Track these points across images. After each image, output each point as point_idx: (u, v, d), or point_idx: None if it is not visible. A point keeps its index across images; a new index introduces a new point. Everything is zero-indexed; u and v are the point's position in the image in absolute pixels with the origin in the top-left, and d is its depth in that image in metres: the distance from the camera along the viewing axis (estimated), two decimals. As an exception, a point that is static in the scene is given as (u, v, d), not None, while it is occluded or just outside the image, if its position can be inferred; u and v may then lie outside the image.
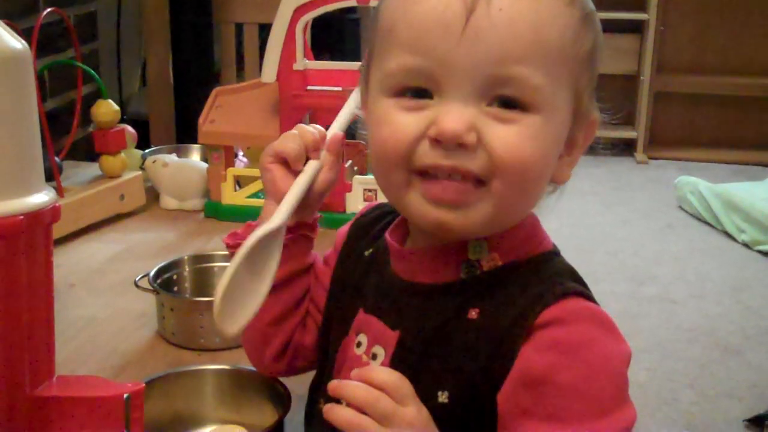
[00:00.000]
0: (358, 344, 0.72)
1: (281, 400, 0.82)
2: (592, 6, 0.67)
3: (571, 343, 0.62)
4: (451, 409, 0.64)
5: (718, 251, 3.17)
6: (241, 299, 0.69)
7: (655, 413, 2.17)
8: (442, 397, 0.64)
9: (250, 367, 0.85)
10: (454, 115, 0.61)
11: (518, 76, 0.61)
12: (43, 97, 1.88)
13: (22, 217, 0.66)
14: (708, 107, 4.28)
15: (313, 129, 0.77)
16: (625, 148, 4.20)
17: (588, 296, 0.66)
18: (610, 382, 0.62)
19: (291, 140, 0.76)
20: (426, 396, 0.64)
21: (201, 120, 1.45)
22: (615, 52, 4.10)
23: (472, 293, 0.66)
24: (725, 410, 2.19)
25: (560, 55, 0.63)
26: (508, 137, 0.62)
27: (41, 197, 0.69)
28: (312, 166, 0.76)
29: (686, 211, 3.51)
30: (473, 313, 0.65)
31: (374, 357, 0.70)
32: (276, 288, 0.72)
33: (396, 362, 0.68)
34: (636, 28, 4.13)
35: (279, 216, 0.72)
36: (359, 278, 0.75)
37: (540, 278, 0.66)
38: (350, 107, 0.80)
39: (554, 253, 0.70)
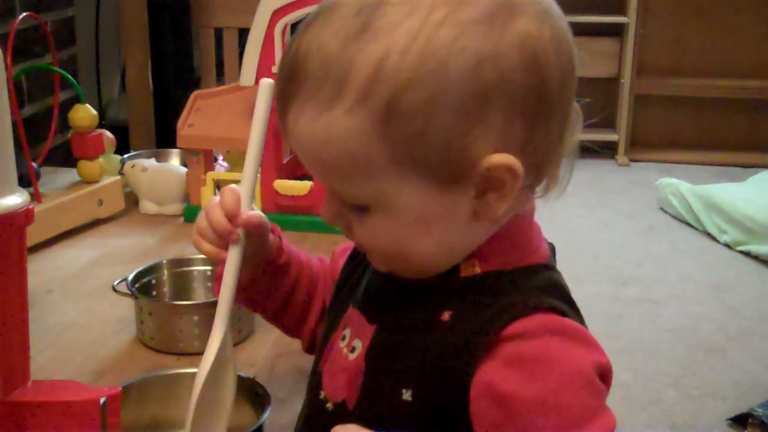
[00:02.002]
0: (343, 338, 0.72)
1: (261, 402, 0.82)
2: (392, 97, 0.59)
3: (537, 357, 0.61)
4: (414, 408, 0.64)
5: (699, 252, 3.18)
6: (210, 413, 0.72)
7: (639, 413, 2.17)
8: (406, 394, 0.64)
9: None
10: (323, 207, 0.67)
11: (332, 188, 0.65)
12: (20, 103, 1.87)
13: (-7, 219, 0.65)
14: (688, 109, 4.31)
15: (219, 215, 0.72)
16: (607, 150, 4.22)
17: (564, 313, 0.64)
18: (580, 393, 0.61)
19: (204, 236, 0.74)
20: (391, 393, 0.65)
21: (180, 124, 1.44)
22: (595, 55, 4.12)
23: (447, 296, 0.66)
24: (709, 410, 2.20)
25: (360, 163, 0.61)
26: (361, 229, 0.66)
27: (14, 199, 0.68)
28: (233, 255, 0.72)
29: (668, 213, 3.53)
30: (446, 315, 0.64)
31: (353, 350, 0.70)
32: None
33: (368, 356, 0.69)
34: (616, 31, 4.14)
35: (217, 334, 0.71)
36: (358, 276, 0.76)
37: (518, 290, 0.64)
38: (254, 163, 0.75)
39: (544, 266, 0.68)
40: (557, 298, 0.65)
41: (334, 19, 0.61)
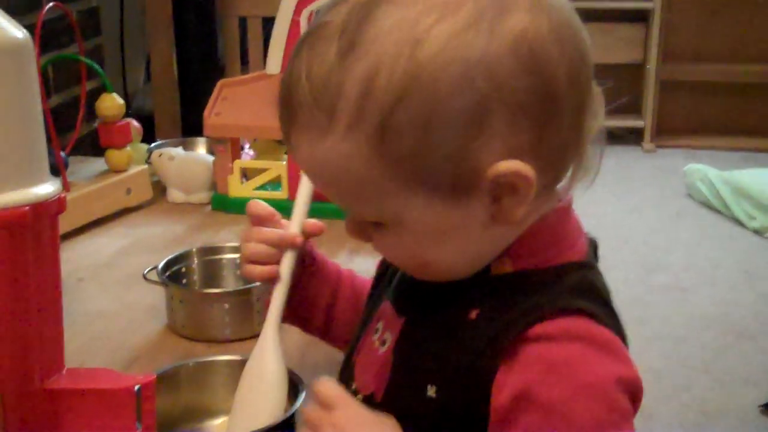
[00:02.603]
0: (376, 330, 0.72)
1: (294, 389, 0.81)
2: (383, 118, 0.57)
3: (557, 361, 0.59)
4: (438, 405, 0.63)
5: (728, 238, 3.15)
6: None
7: (669, 400, 2.15)
8: (431, 391, 0.63)
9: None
10: (345, 221, 0.68)
11: (345, 207, 0.65)
12: (47, 93, 1.87)
13: (27, 208, 0.65)
14: (715, 95, 4.26)
15: (267, 230, 0.79)
16: (633, 137, 4.18)
17: (595, 316, 0.61)
18: (592, 405, 0.59)
19: (256, 259, 0.79)
20: (416, 388, 0.64)
21: (206, 113, 1.44)
22: (621, 41, 4.08)
23: (476, 294, 0.64)
24: (740, 396, 2.18)
25: (364, 184, 0.60)
26: (381, 244, 0.66)
27: (46, 188, 0.68)
28: (287, 260, 0.79)
29: (695, 199, 3.50)
30: (473, 314, 0.63)
31: (384, 343, 0.70)
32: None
33: (397, 350, 0.68)
34: (642, 16, 4.10)
35: (268, 342, 0.79)
36: (394, 269, 0.75)
37: (548, 291, 0.62)
38: (307, 189, 0.83)
39: (581, 266, 0.65)
40: (590, 301, 0.62)
41: (319, 42, 0.59)
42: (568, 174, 0.65)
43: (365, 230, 0.66)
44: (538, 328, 0.60)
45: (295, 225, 0.80)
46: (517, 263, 0.64)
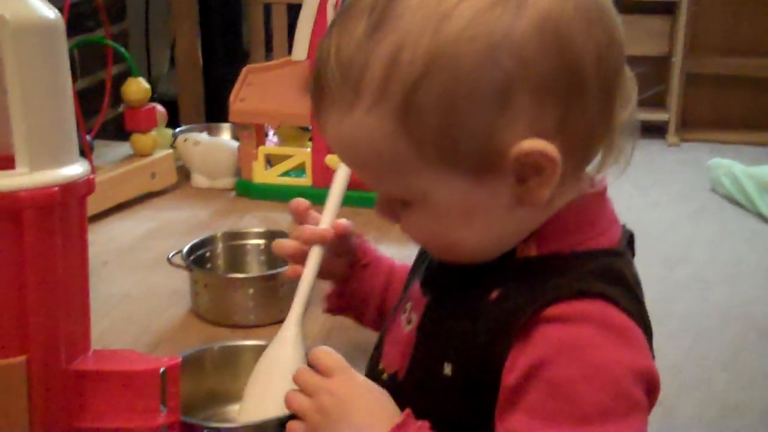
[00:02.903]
0: (405, 311, 0.73)
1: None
2: (408, 93, 0.58)
3: (569, 342, 0.59)
4: (453, 383, 0.64)
5: (752, 234, 3.12)
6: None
7: (688, 396, 2.14)
8: (447, 369, 0.64)
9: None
10: (375, 203, 0.68)
11: (372, 184, 0.65)
12: (73, 77, 1.88)
13: (56, 188, 0.65)
14: (741, 89, 4.22)
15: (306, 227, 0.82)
16: (657, 130, 4.15)
17: (616, 302, 0.60)
18: (601, 390, 0.58)
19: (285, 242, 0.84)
20: (434, 366, 0.64)
21: (232, 98, 1.44)
22: (646, 33, 4.05)
23: (500, 276, 0.64)
24: (760, 393, 2.16)
25: (388, 162, 0.61)
26: (407, 223, 0.66)
27: (75, 169, 0.68)
28: (314, 254, 0.81)
29: (719, 194, 3.47)
30: (494, 294, 0.63)
31: (410, 322, 0.71)
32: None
33: (419, 328, 0.69)
34: (668, 8, 4.06)
35: (290, 329, 0.80)
36: (427, 254, 0.76)
37: (570, 273, 0.62)
38: (340, 186, 0.86)
39: (609, 252, 0.64)
40: (613, 286, 0.61)
41: (349, 21, 0.60)
42: (598, 159, 0.65)
43: (393, 210, 0.66)
44: (554, 309, 0.60)
45: (326, 220, 0.83)
46: (542, 247, 0.64)
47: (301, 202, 0.85)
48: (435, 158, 0.60)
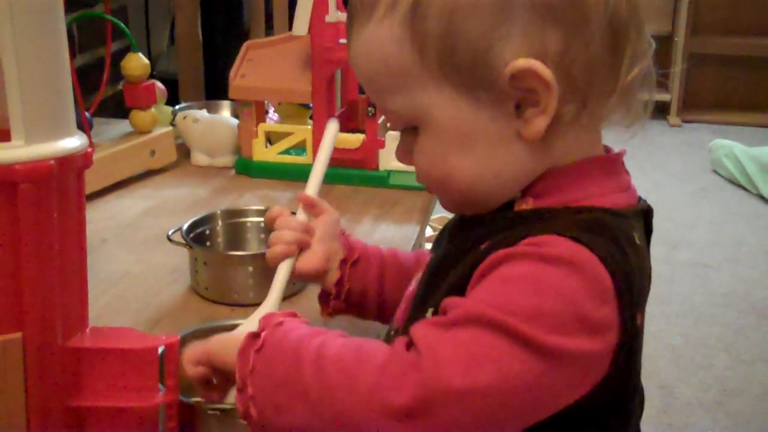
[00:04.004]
0: (417, 276, 0.74)
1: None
2: (408, 1, 0.62)
3: (531, 253, 0.58)
4: None
5: (753, 215, 3.12)
6: None
7: (689, 378, 2.14)
8: (428, 313, 0.64)
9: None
10: (396, 148, 0.71)
11: (383, 108, 0.68)
12: (72, 53, 1.86)
13: (53, 161, 0.64)
14: (744, 69, 4.20)
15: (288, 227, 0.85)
16: (658, 111, 4.14)
17: (589, 247, 0.58)
18: (539, 299, 0.56)
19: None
20: (420, 314, 0.66)
21: (232, 74, 1.42)
22: (649, 12, 3.94)
23: (493, 228, 0.65)
24: (761, 375, 2.16)
25: (396, 72, 0.64)
26: (417, 156, 0.68)
27: (73, 142, 0.66)
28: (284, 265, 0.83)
29: (721, 175, 3.46)
30: (484, 245, 0.63)
31: (416, 281, 0.73)
32: None
33: (419, 284, 0.71)
34: (671, -12, 4.04)
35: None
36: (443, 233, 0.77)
37: (554, 222, 0.61)
38: (327, 151, 0.89)
39: (605, 211, 0.63)
40: (593, 234, 0.59)
41: None
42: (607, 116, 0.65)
43: (408, 147, 0.68)
44: (526, 240, 0.59)
45: (311, 186, 0.87)
46: (538, 202, 0.65)
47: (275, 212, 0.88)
48: (436, 68, 0.62)
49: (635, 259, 0.61)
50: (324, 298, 0.88)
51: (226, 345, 0.67)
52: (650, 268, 0.68)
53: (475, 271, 0.60)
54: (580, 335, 0.57)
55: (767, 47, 4.09)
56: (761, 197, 3.23)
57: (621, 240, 0.61)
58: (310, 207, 0.86)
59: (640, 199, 0.69)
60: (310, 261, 0.84)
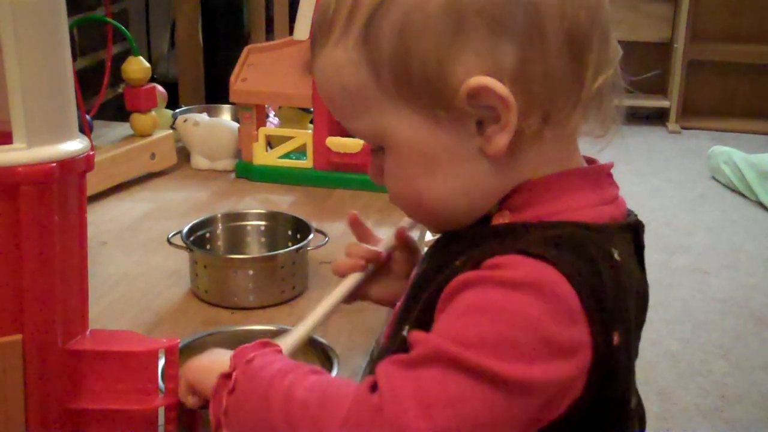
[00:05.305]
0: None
1: (329, 362, 0.80)
2: (367, 20, 0.61)
3: (489, 279, 0.57)
4: (406, 345, 0.62)
5: (751, 222, 3.12)
6: None
7: (687, 384, 2.14)
8: (405, 330, 0.63)
9: (287, 326, 0.83)
10: (369, 167, 0.70)
11: (351, 129, 0.66)
12: (73, 56, 1.86)
13: (54, 164, 0.64)
14: (743, 76, 4.21)
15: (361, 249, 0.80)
16: (658, 117, 4.14)
17: (554, 264, 0.56)
18: (493, 325, 0.55)
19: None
20: (399, 330, 0.65)
21: (232, 78, 1.43)
22: (648, 18, 4.03)
23: (467, 244, 0.63)
24: (760, 382, 2.16)
25: (354, 95, 0.63)
26: (386, 177, 0.67)
27: (74, 145, 0.67)
28: (350, 279, 0.79)
29: (719, 182, 3.46)
30: (459, 260, 0.62)
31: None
32: None
33: (402, 301, 0.70)
34: (671, -6, 4.05)
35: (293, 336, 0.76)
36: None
37: (524, 238, 0.60)
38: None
39: (581, 226, 0.61)
40: (561, 251, 0.57)
41: None
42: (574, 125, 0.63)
43: (380, 167, 0.67)
44: (490, 261, 0.58)
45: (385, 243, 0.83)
46: (514, 216, 0.63)
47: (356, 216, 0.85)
48: (392, 88, 0.61)
49: (611, 275, 0.59)
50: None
51: (205, 378, 0.67)
52: (643, 284, 0.66)
53: (444, 290, 0.59)
54: (546, 360, 0.55)
55: (767, 54, 4.09)
56: (760, 204, 3.23)
57: (595, 256, 0.59)
58: (404, 241, 0.82)
59: (629, 213, 0.67)
60: (388, 289, 0.82)
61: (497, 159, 0.62)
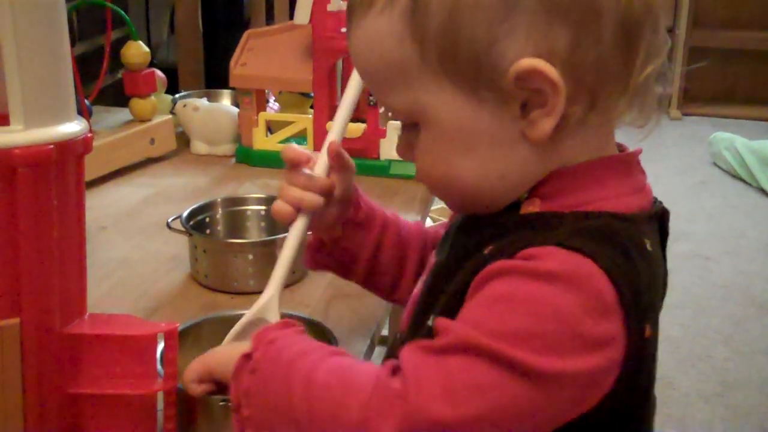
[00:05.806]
0: (423, 277, 0.72)
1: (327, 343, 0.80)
2: None
3: (526, 269, 0.56)
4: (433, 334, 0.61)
5: (752, 208, 3.12)
6: None
7: (688, 369, 2.14)
8: (431, 320, 0.63)
9: (289, 311, 0.82)
10: (398, 142, 0.68)
11: (384, 103, 0.65)
12: (72, 41, 1.85)
13: (52, 146, 0.63)
14: (744, 63, 4.20)
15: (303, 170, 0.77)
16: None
17: (593, 259, 0.56)
18: (528, 319, 0.54)
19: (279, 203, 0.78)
20: (423, 319, 0.64)
21: (232, 63, 1.42)
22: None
23: (497, 232, 0.62)
24: (760, 367, 2.16)
25: (395, 68, 0.61)
26: (418, 153, 0.65)
27: (72, 127, 0.66)
28: (297, 227, 0.76)
29: (721, 168, 3.46)
30: (488, 249, 0.61)
31: (421, 284, 0.71)
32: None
33: (423, 287, 0.69)
34: (672, -20, 4.03)
35: (265, 295, 0.75)
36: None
37: (560, 230, 0.58)
38: (351, 98, 0.81)
39: (615, 216, 0.60)
40: (598, 243, 0.57)
41: None
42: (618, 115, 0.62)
43: (410, 144, 0.66)
44: (524, 252, 0.57)
45: (334, 133, 0.80)
46: (545, 205, 0.62)
47: (298, 150, 0.79)
48: (437, 65, 0.59)
49: (645, 267, 0.59)
50: (315, 247, 0.83)
51: (227, 361, 0.65)
52: (666, 272, 0.66)
53: (474, 279, 0.59)
54: (577, 353, 0.54)
55: (767, 40, 4.08)
56: (761, 190, 3.23)
57: (630, 248, 0.58)
58: (337, 158, 0.78)
59: (655, 200, 0.66)
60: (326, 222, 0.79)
61: (538, 144, 0.60)
